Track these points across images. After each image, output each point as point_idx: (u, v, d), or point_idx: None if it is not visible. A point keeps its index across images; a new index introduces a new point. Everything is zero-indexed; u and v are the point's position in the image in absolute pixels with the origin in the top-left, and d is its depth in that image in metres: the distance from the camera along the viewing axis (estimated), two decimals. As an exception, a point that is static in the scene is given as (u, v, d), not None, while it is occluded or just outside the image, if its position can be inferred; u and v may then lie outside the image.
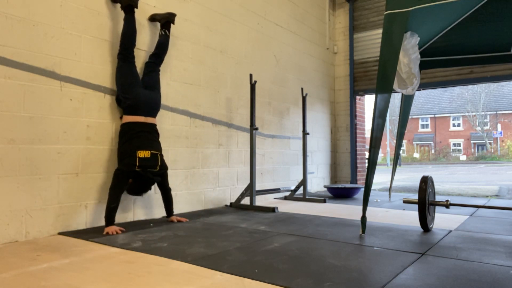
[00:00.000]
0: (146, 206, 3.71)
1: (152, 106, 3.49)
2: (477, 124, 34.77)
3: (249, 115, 4.60)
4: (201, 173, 4.36)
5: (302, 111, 5.47)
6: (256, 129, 4.47)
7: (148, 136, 3.36)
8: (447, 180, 11.01)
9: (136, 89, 3.39)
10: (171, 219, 3.59)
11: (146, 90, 3.47)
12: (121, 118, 3.43)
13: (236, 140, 4.88)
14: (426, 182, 3.14)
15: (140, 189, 3.33)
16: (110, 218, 3.11)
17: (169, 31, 3.81)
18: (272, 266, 2.18)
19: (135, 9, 3.51)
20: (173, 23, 3.84)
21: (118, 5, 3.51)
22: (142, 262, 2.27)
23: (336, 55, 7.22)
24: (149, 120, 3.44)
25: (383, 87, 3.04)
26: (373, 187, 5.04)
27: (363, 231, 3.01)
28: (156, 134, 3.51)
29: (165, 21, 3.79)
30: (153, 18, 3.83)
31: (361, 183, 6.80)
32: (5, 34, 2.77)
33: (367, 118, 7.49)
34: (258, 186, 5.00)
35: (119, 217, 3.43)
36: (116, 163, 3.36)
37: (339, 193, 5.75)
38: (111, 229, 3.05)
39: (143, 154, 3.24)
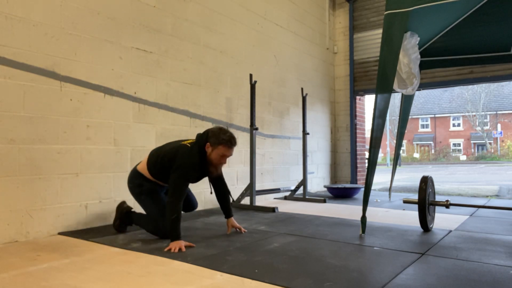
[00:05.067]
0: (146, 206, 3.71)
1: None
2: (477, 124, 34.75)
3: (249, 115, 4.60)
4: (201, 173, 4.35)
5: (302, 111, 5.47)
6: (256, 129, 4.47)
7: None
8: (447, 180, 11.01)
9: None
10: (231, 222, 3.07)
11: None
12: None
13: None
14: (426, 182, 3.14)
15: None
16: (173, 232, 2.58)
17: None
18: (272, 266, 2.18)
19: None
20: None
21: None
22: (142, 262, 2.27)
23: (336, 55, 7.22)
24: None
25: (383, 87, 3.04)
26: (373, 187, 5.03)
27: (363, 231, 3.01)
28: None
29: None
30: None
31: (361, 183, 6.79)
32: (5, 34, 2.77)
33: (367, 118, 7.49)
34: (258, 186, 4.99)
35: (119, 217, 3.43)
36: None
37: (339, 193, 5.75)
38: (175, 245, 2.52)
39: None
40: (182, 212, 2.74)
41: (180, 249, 2.50)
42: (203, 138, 2.78)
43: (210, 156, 2.76)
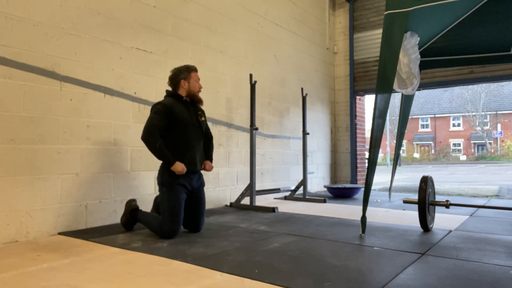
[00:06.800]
0: (146, 207, 3.70)
1: None
2: (477, 124, 34.74)
3: (249, 115, 4.60)
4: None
5: (302, 111, 5.47)
6: (256, 129, 4.47)
7: None
8: (447, 180, 11.01)
9: None
10: (206, 162, 3.24)
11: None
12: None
13: (236, 140, 4.88)
14: (426, 182, 3.14)
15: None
16: (166, 158, 2.91)
17: None
18: (272, 266, 2.18)
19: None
20: None
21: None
22: (142, 262, 2.27)
23: (336, 55, 7.22)
24: None
25: (383, 87, 3.04)
26: (373, 187, 5.04)
27: (363, 231, 3.01)
28: None
29: None
30: None
31: (361, 183, 6.79)
32: (5, 34, 2.78)
33: (367, 118, 7.49)
34: (258, 186, 5.00)
35: (117, 217, 3.43)
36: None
37: (339, 193, 5.75)
38: (178, 169, 2.89)
39: None
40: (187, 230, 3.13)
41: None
42: (172, 83, 3.10)
43: (189, 88, 3.10)
